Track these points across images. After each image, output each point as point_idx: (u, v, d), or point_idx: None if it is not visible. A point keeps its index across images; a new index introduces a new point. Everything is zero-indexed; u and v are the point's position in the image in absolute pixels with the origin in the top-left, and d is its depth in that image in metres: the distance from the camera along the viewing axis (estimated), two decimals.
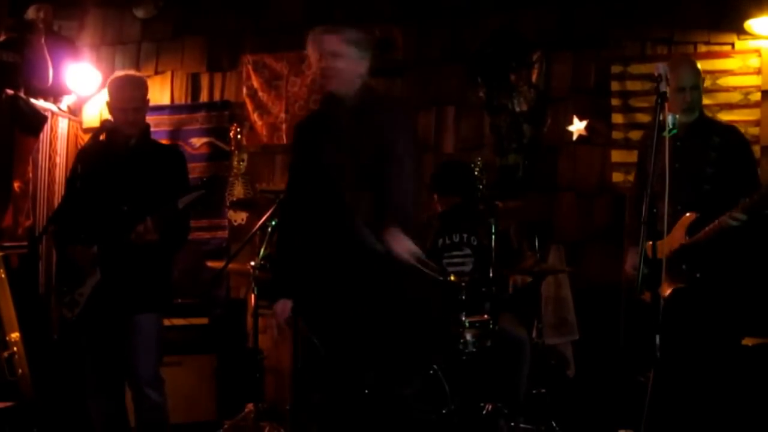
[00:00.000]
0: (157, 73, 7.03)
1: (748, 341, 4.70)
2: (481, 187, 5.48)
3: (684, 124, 4.22)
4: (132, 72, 4.72)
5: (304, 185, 3.68)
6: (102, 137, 4.44)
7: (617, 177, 5.99)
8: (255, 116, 6.78)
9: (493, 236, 5.15)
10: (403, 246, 3.31)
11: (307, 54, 6.10)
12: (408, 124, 3.78)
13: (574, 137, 6.15)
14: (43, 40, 6.06)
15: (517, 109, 6.23)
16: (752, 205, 3.95)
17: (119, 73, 4.58)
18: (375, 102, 3.59)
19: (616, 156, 6.02)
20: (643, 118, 5.80)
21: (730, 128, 4.54)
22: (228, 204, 6.70)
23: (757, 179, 4.39)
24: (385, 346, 3.50)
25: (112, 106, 4.44)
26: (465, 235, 5.40)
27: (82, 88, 6.80)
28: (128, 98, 4.39)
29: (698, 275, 4.13)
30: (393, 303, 3.52)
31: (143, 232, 4.12)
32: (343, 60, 3.49)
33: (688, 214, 4.20)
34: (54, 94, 6.64)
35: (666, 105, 3.66)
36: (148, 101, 4.54)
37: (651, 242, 3.48)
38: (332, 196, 3.53)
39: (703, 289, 4.12)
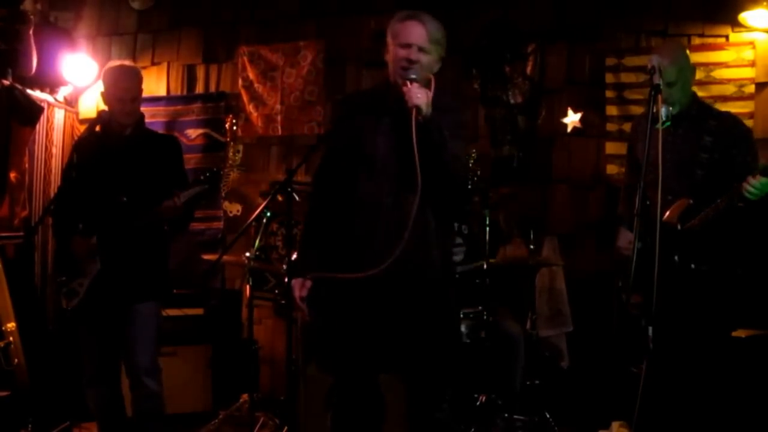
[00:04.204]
0: (153, 64, 7.03)
1: (740, 333, 4.70)
2: (475, 178, 5.49)
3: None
4: (126, 62, 4.73)
5: (342, 166, 3.57)
6: (98, 128, 4.47)
7: (611, 169, 5.99)
8: (251, 107, 6.78)
9: (487, 228, 5.17)
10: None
11: (302, 45, 6.14)
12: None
13: (569, 129, 6.16)
14: (31, 31, 6.00)
15: (512, 101, 6.24)
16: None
17: (114, 63, 4.60)
18: (440, 95, 3.51)
19: (611, 148, 6.02)
20: (638, 110, 5.79)
21: (727, 114, 4.30)
22: (223, 195, 6.72)
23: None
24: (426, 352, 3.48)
25: (107, 96, 4.46)
26: (456, 224, 5.41)
27: (78, 78, 6.80)
28: (124, 88, 4.42)
29: (693, 266, 3.98)
30: (441, 311, 3.53)
31: (173, 206, 4.19)
32: (426, 56, 3.48)
33: (681, 201, 4.03)
34: (50, 84, 6.64)
35: (660, 97, 3.65)
36: (142, 91, 4.56)
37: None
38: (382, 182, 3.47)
39: (696, 279, 4.05)
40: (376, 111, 3.53)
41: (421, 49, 3.45)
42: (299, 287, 3.55)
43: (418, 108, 3.27)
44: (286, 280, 4.98)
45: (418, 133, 3.25)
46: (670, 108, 4.00)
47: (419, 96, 3.29)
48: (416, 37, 3.45)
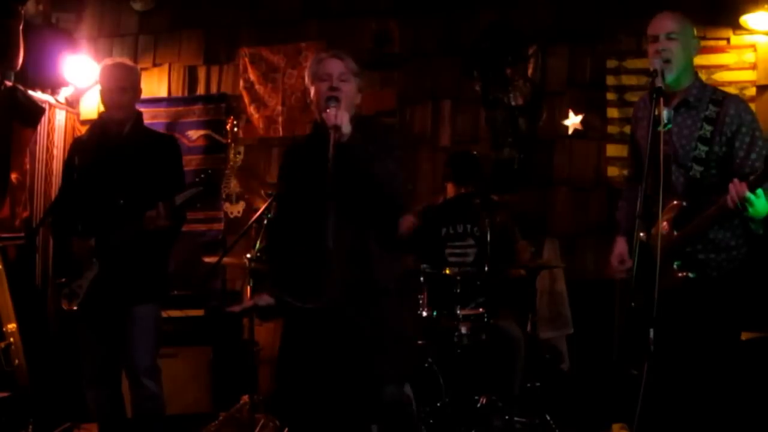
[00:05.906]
0: (154, 65, 7.05)
1: (744, 335, 4.68)
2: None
3: (673, 92, 3.71)
4: (123, 59, 4.73)
5: (295, 213, 3.67)
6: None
7: (612, 171, 6.00)
8: (251, 109, 6.79)
9: (489, 229, 5.17)
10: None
11: (303, 47, 6.18)
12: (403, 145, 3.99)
13: (570, 131, 6.16)
14: (21, 26, 5.97)
15: (513, 103, 6.24)
16: (759, 179, 3.27)
17: (110, 60, 4.61)
18: (370, 125, 3.68)
19: (612, 150, 6.03)
20: None
21: (732, 98, 3.72)
22: (224, 197, 6.73)
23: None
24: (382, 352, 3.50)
25: (103, 90, 4.46)
26: (469, 226, 5.42)
27: (79, 80, 6.80)
28: (118, 78, 4.42)
29: (691, 275, 3.71)
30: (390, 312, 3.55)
31: (155, 218, 4.15)
32: (349, 85, 3.59)
33: (674, 203, 3.68)
34: (51, 85, 6.64)
35: (661, 100, 3.60)
36: (140, 89, 4.56)
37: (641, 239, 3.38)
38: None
39: (700, 283, 3.96)
40: (314, 154, 3.58)
41: (341, 77, 3.57)
42: (255, 297, 3.73)
43: (336, 127, 3.37)
44: None
45: (338, 152, 3.35)
46: (668, 70, 3.63)
47: (337, 117, 3.39)
48: (335, 69, 3.59)
